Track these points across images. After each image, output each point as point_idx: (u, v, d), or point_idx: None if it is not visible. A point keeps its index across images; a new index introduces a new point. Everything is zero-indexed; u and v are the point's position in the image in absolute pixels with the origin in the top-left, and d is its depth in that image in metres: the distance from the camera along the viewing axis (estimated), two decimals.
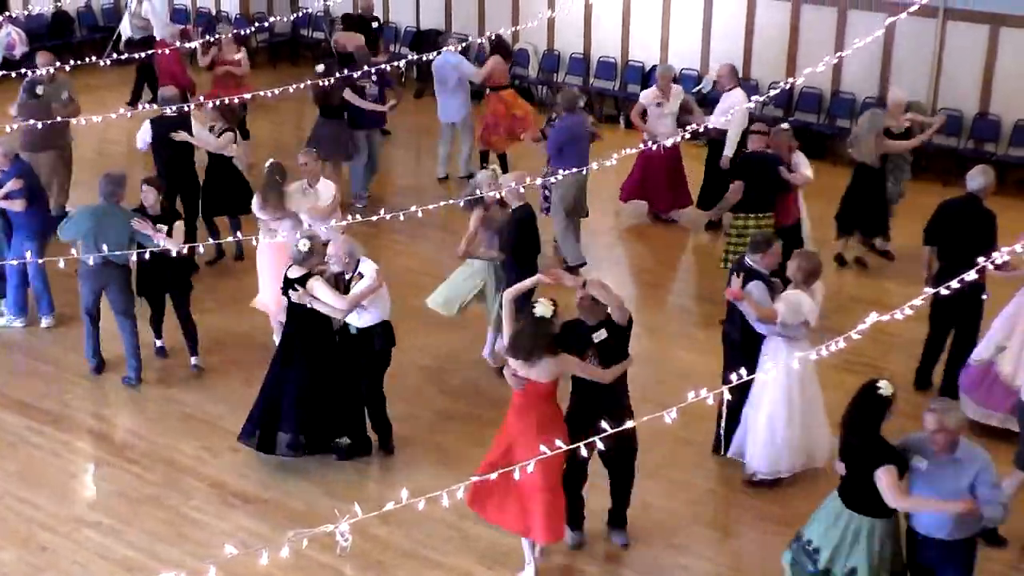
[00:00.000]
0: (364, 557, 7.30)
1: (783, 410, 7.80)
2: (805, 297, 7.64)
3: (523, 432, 6.85)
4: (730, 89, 11.83)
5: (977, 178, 8.85)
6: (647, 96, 12.32)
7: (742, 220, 10.08)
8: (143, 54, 12.10)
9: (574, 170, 10.16)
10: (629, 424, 5.91)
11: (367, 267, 8.04)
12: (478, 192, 9.15)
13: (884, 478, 6.07)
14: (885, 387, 6.23)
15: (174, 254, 8.51)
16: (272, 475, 8.24)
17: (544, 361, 6.75)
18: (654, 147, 10.23)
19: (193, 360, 9.53)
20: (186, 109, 11.06)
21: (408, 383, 9.16)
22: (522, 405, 6.91)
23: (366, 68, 11.68)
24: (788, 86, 10.93)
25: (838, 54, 11.15)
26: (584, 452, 5.59)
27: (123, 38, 15.48)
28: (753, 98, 10.37)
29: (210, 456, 8.45)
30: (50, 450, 8.53)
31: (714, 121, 11.22)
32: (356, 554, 7.13)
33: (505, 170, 12.17)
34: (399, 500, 4.94)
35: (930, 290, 6.77)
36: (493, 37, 13.33)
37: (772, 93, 10.92)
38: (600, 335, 6.94)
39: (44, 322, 10.24)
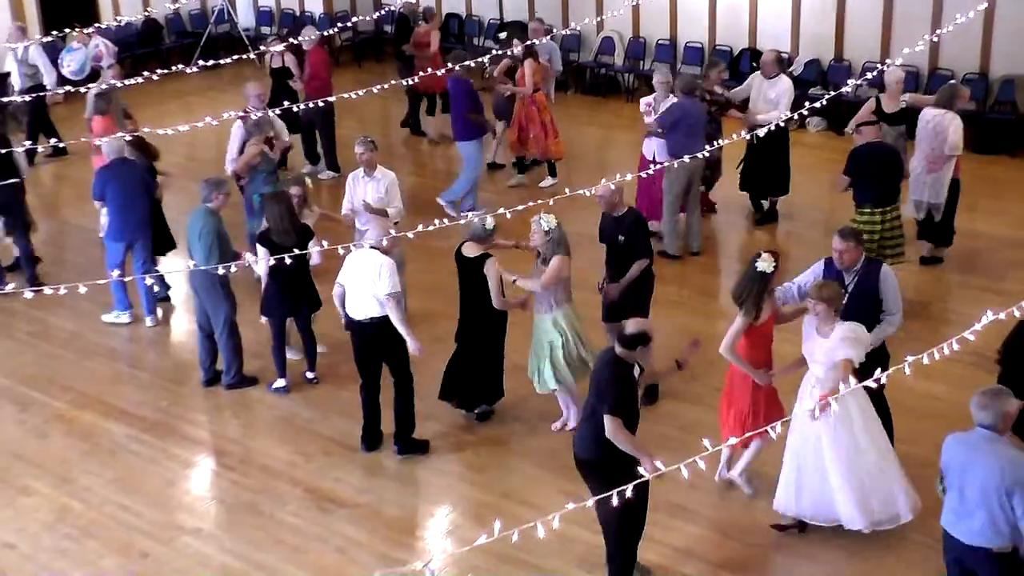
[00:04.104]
0: (460, 563, 7.19)
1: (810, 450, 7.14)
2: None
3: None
4: (774, 76, 11.46)
5: None
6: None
7: (867, 215, 9.70)
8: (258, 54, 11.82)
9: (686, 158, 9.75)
10: None
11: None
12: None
13: None
14: None
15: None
16: (365, 479, 8.21)
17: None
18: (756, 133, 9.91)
19: (309, 374, 9.43)
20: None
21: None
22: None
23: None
24: (886, 66, 10.52)
25: (937, 32, 10.72)
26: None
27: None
28: (849, 81, 10.03)
29: (304, 461, 8.44)
30: (148, 457, 8.61)
31: (763, 109, 11.14)
32: (451, 560, 7.03)
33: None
34: (492, 504, 4.78)
35: None
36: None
37: (868, 76, 10.54)
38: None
39: (148, 322, 10.45)
